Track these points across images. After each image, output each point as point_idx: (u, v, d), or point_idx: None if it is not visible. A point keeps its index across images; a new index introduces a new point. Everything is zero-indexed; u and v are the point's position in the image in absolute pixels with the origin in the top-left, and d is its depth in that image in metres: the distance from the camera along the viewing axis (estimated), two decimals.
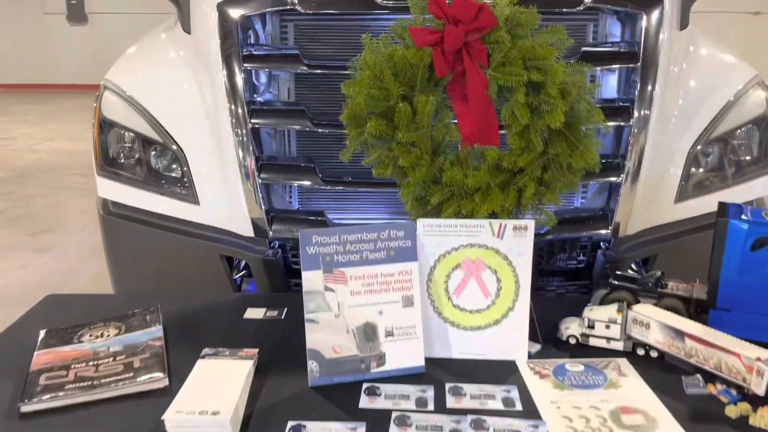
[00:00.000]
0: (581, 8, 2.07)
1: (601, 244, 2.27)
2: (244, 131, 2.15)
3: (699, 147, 2.31)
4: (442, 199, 1.58)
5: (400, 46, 1.60)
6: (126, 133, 2.37)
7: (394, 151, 1.56)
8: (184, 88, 2.29)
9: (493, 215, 1.55)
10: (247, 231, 2.26)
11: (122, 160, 2.40)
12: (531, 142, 1.53)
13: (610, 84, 2.24)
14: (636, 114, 2.12)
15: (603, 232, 2.22)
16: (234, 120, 2.15)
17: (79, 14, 15.65)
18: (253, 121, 2.15)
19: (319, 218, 2.27)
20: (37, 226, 5.51)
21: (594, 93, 1.65)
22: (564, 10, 2.07)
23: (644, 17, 2.10)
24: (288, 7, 2.08)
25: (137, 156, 2.37)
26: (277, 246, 2.27)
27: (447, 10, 1.53)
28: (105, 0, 14.70)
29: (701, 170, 2.34)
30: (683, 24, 2.33)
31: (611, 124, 2.09)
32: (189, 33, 2.35)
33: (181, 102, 2.30)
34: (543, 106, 1.51)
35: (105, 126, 2.40)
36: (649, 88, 2.12)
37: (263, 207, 2.22)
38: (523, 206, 1.58)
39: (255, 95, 2.24)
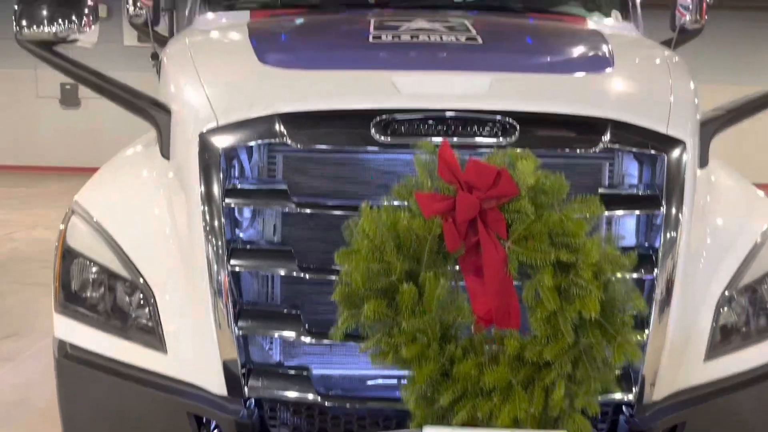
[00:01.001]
0: (597, 150, 1.90)
1: (624, 409, 2.00)
2: (222, 274, 1.90)
3: (727, 296, 2.09)
4: (454, 397, 1.32)
5: (404, 213, 1.39)
6: (91, 266, 2.13)
7: (395, 338, 1.32)
8: (158, 220, 2.07)
9: (516, 422, 1.29)
10: (219, 387, 1.97)
11: (84, 296, 2.14)
12: (559, 331, 1.29)
13: (628, 228, 2.04)
14: (660, 264, 1.91)
15: (626, 396, 1.95)
16: (211, 260, 1.91)
17: (73, 98, 15.78)
18: (232, 262, 1.91)
19: (303, 373, 1.99)
20: (2, 329, 5.15)
21: (628, 266, 1.44)
22: (579, 152, 1.90)
23: (665, 159, 1.93)
24: (277, 140, 1.89)
25: (101, 292, 2.11)
26: (253, 406, 1.98)
27: (460, 176, 1.33)
28: None
29: (731, 323, 2.12)
30: (703, 162, 2.17)
31: (633, 276, 1.87)
32: (168, 159, 2.16)
33: (153, 235, 2.07)
34: (573, 289, 1.29)
35: (69, 255, 2.16)
36: (673, 235, 1.92)
37: (239, 360, 1.95)
38: (551, 409, 1.32)
39: (237, 230, 2.01)
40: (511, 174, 1.35)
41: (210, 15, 3.11)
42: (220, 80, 2.13)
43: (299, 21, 2.80)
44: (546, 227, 1.33)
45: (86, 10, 2.12)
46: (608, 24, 3.04)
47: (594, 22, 2.97)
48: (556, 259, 1.31)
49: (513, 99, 1.92)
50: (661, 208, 1.90)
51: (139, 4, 3.28)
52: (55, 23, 2.07)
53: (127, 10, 3.42)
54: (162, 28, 3.64)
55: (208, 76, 2.10)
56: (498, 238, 1.33)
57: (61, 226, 2.24)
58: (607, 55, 2.23)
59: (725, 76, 13.76)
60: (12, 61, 15.19)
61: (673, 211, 1.91)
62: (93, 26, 2.14)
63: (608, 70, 2.13)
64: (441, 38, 2.26)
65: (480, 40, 2.26)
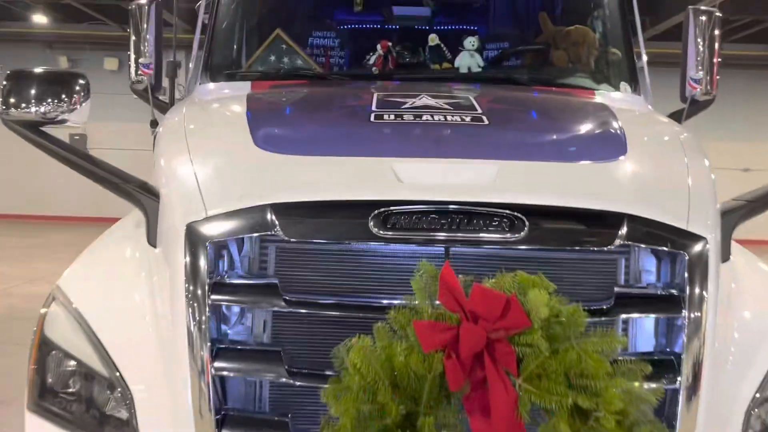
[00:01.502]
0: (612, 247, 1.77)
1: None
2: (205, 378, 1.76)
3: (759, 399, 1.92)
4: None
5: (401, 347, 1.25)
6: (67, 360, 1.98)
7: None
8: (140, 314, 1.94)
9: None
10: None
11: (59, 394, 1.99)
12: None
13: (646, 329, 1.89)
14: (683, 371, 1.75)
15: None
16: (194, 363, 1.76)
17: (81, 149, 15.92)
18: (217, 365, 1.77)
19: None
20: None
21: (654, 402, 1.28)
22: (593, 249, 1.77)
23: (686, 257, 1.80)
24: (269, 233, 1.77)
25: (77, 390, 1.96)
26: None
27: (465, 304, 1.20)
28: (106, 136, 14.96)
29: (765, 428, 1.94)
30: (725, 255, 2.03)
31: (652, 386, 1.71)
32: (155, 246, 2.04)
33: (135, 330, 1.93)
34: None
35: (45, 347, 2.03)
36: (697, 339, 1.77)
37: None
38: None
39: (224, 326, 1.87)
40: (521, 302, 1.21)
41: (211, 85, 3.05)
42: (212, 165, 2.02)
43: (300, 95, 2.72)
44: (562, 366, 1.18)
45: (77, 87, 2.03)
46: (617, 97, 2.95)
47: (602, 96, 2.88)
48: (573, 403, 1.15)
49: (521, 191, 1.80)
50: (683, 311, 1.76)
51: (139, 72, 3.23)
52: (44, 103, 1.98)
53: (129, 76, 3.40)
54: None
55: (200, 160, 2.00)
56: (507, 374, 1.18)
57: (42, 310, 2.12)
58: (620, 140, 2.12)
59: (731, 132, 13.78)
60: None
61: (697, 313, 1.77)
62: (83, 104, 2.05)
63: (621, 158, 2.01)
64: (445, 118, 2.16)
65: (486, 120, 2.16)
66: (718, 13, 3.30)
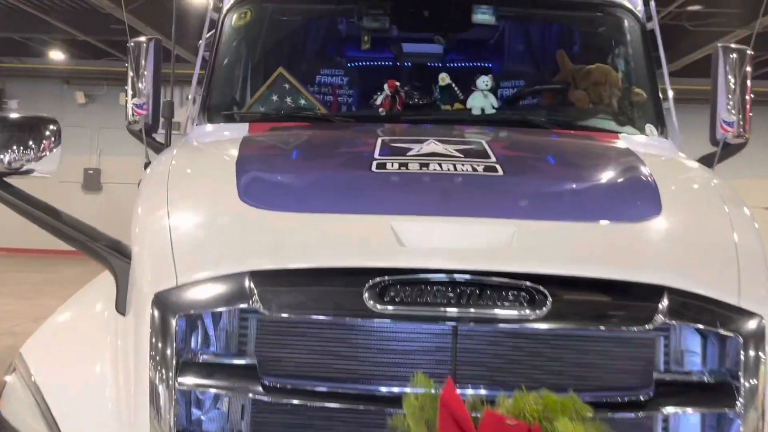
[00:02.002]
0: (650, 327, 1.50)
1: None
2: None
3: None
4: None
5: None
6: None
7: None
8: (102, 395, 1.70)
9: None
10: None
11: None
12: None
13: (691, 426, 1.59)
14: None
15: None
16: None
17: (95, 184, 15.93)
18: None
19: None
20: None
21: None
22: (627, 328, 1.51)
23: (740, 339, 1.52)
24: (248, 305, 1.53)
25: None
26: None
27: None
28: (118, 171, 14.97)
29: None
30: None
31: None
32: (123, 314, 1.80)
33: (95, 413, 1.69)
34: None
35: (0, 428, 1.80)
36: None
37: None
38: None
39: (195, 412, 1.62)
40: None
41: (208, 127, 2.87)
42: (190, 223, 1.80)
43: (298, 139, 2.51)
44: None
45: (47, 133, 1.84)
46: (643, 142, 2.70)
47: (627, 140, 2.64)
48: None
49: (543, 259, 1.55)
50: (737, 404, 1.49)
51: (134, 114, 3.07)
52: (9, 151, 1.79)
53: (126, 115, 3.24)
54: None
55: (178, 216, 1.78)
56: None
57: (5, 378, 1.91)
58: (653, 194, 1.85)
59: (754, 169, 13.42)
60: None
61: (754, 407, 1.49)
62: (54, 151, 1.85)
63: (656, 217, 1.74)
64: (455, 167, 1.92)
65: (500, 170, 1.93)
66: (749, 51, 3.09)
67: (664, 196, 1.83)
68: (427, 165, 1.94)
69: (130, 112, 3.16)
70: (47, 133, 1.82)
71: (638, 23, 3.16)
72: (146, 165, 3.12)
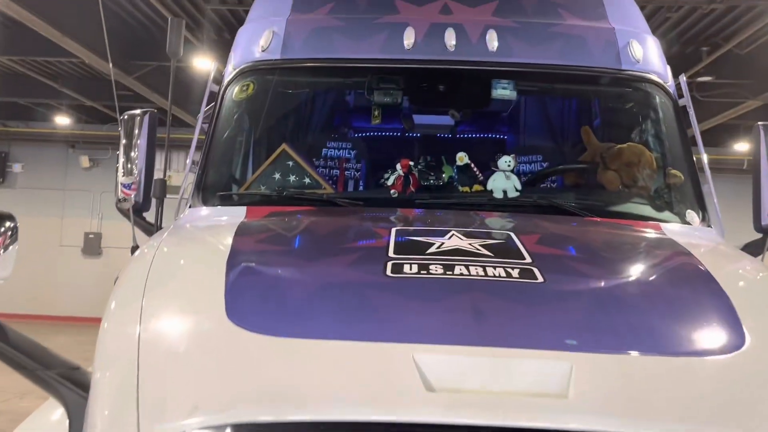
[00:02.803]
0: None
1: None
2: None
3: None
4: None
5: None
6: None
7: None
8: None
9: None
10: None
11: None
12: None
13: None
14: None
15: None
16: None
17: (95, 248, 15.68)
18: None
19: None
20: None
21: None
22: None
23: None
24: None
25: None
26: None
27: None
28: (119, 235, 14.65)
29: None
30: None
31: None
32: None
33: None
34: None
35: None
36: None
37: None
38: None
39: None
40: None
41: (203, 210, 2.59)
42: (163, 350, 1.45)
43: (299, 230, 2.21)
44: None
45: (1, 229, 1.54)
46: (688, 233, 2.41)
47: (671, 231, 2.35)
48: None
49: (614, 410, 1.22)
50: None
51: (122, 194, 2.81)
52: None
53: (116, 193, 2.98)
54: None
55: (150, 339, 1.45)
56: None
57: None
58: (728, 312, 1.52)
59: None
60: (40, 209, 15.41)
61: None
62: (9, 249, 1.54)
63: (744, 347, 1.41)
64: (485, 271, 1.61)
65: (539, 276, 1.61)
66: None
67: (744, 319, 1.50)
68: (451, 268, 1.63)
69: (119, 192, 2.91)
70: (1, 229, 1.52)
71: (670, 99, 2.92)
72: (133, 250, 2.84)
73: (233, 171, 2.94)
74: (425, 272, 1.61)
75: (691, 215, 2.61)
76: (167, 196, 3.03)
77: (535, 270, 1.64)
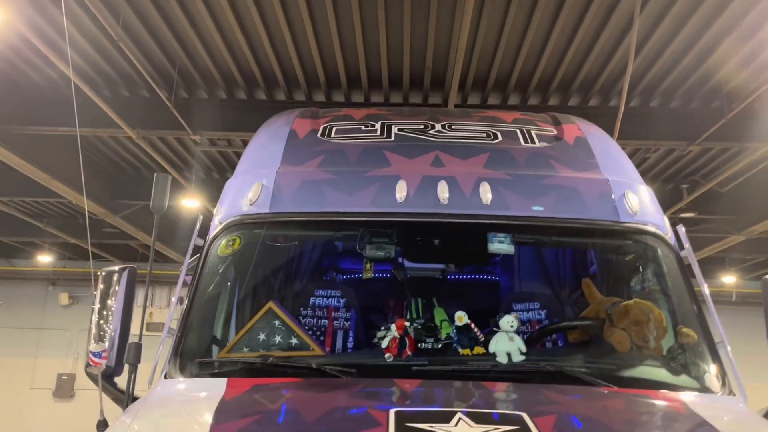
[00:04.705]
0: None
1: None
2: None
3: None
4: None
5: None
6: None
7: None
8: None
9: None
10: None
11: None
12: None
13: None
14: None
15: None
16: None
17: (67, 390, 14.89)
18: None
19: None
20: None
21: None
22: None
23: None
24: None
25: None
26: None
27: None
28: None
29: None
30: None
31: None
32: None
33: None
34: None
35: None
36: None
37: None
38: None
39: None
40: None
41: (179, 382, 2.35)
42: None
43: (283, 419, 1.95)
44: None
45: None
46: (713, 405, 2.21)
47: (697, 404, 2.14)
48: None
49: None
50: None
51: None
52: None
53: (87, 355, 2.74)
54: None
55: None
56: None
57: None
58: None
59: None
60: (14, 349, 14.77)
61: None
62: None
63: None
64: None
65: None
66: None
67: None
68: None
69: (89, 357, 2.68)
70: None
71: (671, 250, 2.82)
72: (99, 425, 2.55)
73: (215, 332, 2.73)
74: None
75: (711, 379, 2.42)
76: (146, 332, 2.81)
77: None
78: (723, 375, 2.45)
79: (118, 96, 7.38)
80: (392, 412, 1.76)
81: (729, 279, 12.61)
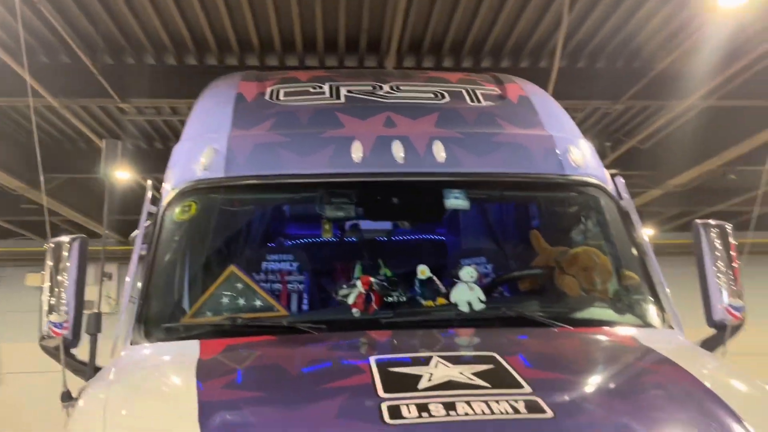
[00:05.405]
0: None
1: None
2: None
3: None
4: None
5: None
6: None
7: None
8: None
9: None
10: None
11: None
12: None
13: None
14: None
15: None
16: None
17: None
18: None
19: None
20: None
21: None
22: None
23: None
24: None
25: None
26: None
27: None
28: (22, 358, 13.43)
29: None
30: None
31: None
32: None
33: None
34: None
35: None
36: None
37: None
38: None
39: None
40: None
41: (145, 348, 2.34)
42: None
43: (269, 368, 2.00)
44: None
45: None
46: (659, 338, 2.41)
47: (645, 339, 2.34)
48: None
49: None
50: None
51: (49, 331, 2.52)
52: None
53: (39, 329, 2.67)
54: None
55: None
56: None
57: None
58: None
59: None
60: None
61: None
62: None
63: None
64: (490, 408, 1.50)
65: (546, 408, 1.51)
66: (728, 226, 2.97)
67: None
68: (453, 406, 1.51)
69: (44, 327, 2.61)
70: None
71: (612, 201, 3.01)
72: (63, 396, 2.51)
73: (178, 297, 2.72)
74: (427, 414, 1.47)
75: (652, 316, 2.63)
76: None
77: (539, 401, 1.55)
78: (662, 312, 2.67)
79: (36, 63, 6.96)
80: (372, 360, 1.83)
81: (648, 231, 13.37)
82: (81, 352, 2.76)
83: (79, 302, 2.65)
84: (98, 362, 2.64)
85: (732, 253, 2.90)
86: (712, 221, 2.97)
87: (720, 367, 2.22)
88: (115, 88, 7.06)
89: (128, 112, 8.16)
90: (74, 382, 2.63)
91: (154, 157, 9.52)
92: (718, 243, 2.87)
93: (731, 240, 2.92)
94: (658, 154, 9.58)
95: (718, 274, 2.81)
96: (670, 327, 2.62)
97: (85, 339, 2.65)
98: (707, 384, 1.85)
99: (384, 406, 1.51)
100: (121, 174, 9.44)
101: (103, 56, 6.97)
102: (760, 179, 11.05)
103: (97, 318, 2.60)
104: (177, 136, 9.29)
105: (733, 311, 2.61)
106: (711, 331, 2.73)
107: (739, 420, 1.65)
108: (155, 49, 7.02)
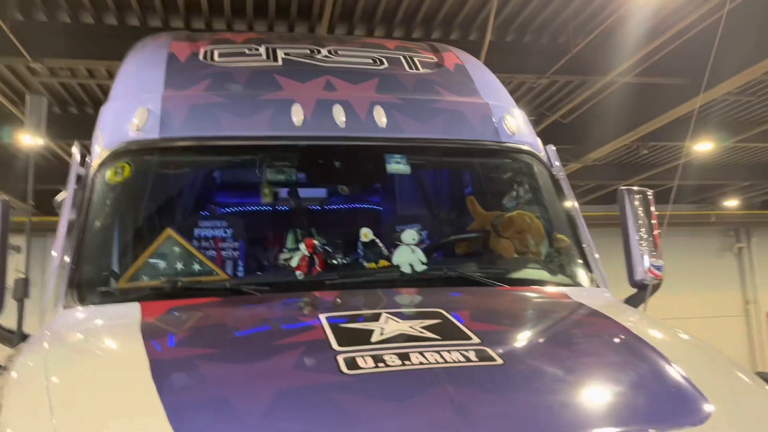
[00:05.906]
0: None
1: None
2: None
3: None
4: None
5: None
6: None
7: None
8: None
9: None
10: None
11: None
12: None
13: None
14: None
15: None
16: None
17: None
18: None
19: None
20: None
21: None
22: None
23: None
24: None
25: None
26: None
27: None
28: None
29: None
30: None
31: None
32: None
33: None
34: None
35: None
36: None
37: None
38: None
39: None
40: None
41: (79, 312, 2.24)
42: None
43: (218, 331, 1.96)
44: None
45: None
46: (590, 295, 2.56)
47: (578, 296, 2.48)
48: None
49: None
50: None
51: None
52: None
53: None
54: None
55: None
56: None
57: None
58: (688, 387, 1.63)
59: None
60: None
61: None
62: None
63: (710, 420, 1.50)
64: (443, 357, 1.55)
65: (497, 357, 1.58)
66: (650, 193, 3.15)
67: (705, 391, 1.60)
68: (407, 357, 1.55)
69: None
70: None
71: (545, 167, 3.13)
72: None
73: (112, 263, 2.62)
74: (383, 365, 1.51)
75: (582, 276, 2.78)
76: None
77: (489, 350, 1.62)
78: (590, 271, 2.82)
79: None
80: (323, 317, 1.85)
81: None
82: (4, 319, 2.63)
83: (2, 267, 2.51)
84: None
85: (653, 219, 3.08)
86: (635, 187, 3.14)
87: (643, 318, 2.40)
88: (26, 46, 6.61)
89: (40, 73, 7.68)
90: None
91: (70, 123, 9.03)
92: (640, 209, 3.04)
93: (652, 206, 3.10)
94: (579, 128, 9.98)
95: (640, 238, 2.99)
96: (598, 286, 2.77)
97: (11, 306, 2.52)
98: (634, 331, 2.00)
99: (340, 358, 1.53)
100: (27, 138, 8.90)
101: (12, 12, 6.50)
102: (671, 154, 11.76)
103: (25, 283, 2.47)
104: (94, 101, 8.89)
105: (654, 270, 2.79)
106: (631, 291, 2.91)
107: (665, 358, 1.81)
108: (70, 6, 6.61)
